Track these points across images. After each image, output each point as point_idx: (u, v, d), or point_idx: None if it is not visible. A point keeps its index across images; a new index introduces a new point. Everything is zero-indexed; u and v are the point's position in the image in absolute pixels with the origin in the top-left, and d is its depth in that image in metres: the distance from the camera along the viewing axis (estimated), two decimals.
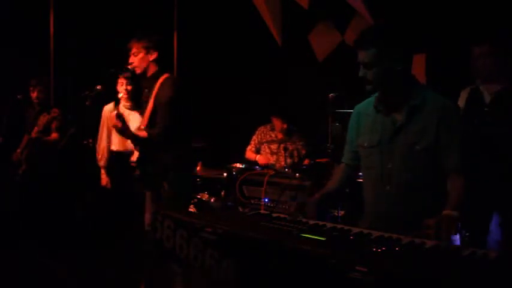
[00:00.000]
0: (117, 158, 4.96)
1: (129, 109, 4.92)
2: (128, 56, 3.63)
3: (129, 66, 3.60)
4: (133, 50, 3.58)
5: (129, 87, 4.84)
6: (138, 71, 3.62)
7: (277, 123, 5.25)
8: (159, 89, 3.60)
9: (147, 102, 3.64)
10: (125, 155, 4.89)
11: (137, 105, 4.68)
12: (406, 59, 2.21)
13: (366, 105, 2.40)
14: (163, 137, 3.54)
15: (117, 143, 4.98)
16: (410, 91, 2.23)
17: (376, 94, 2.35)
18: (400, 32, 2.20)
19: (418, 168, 2.19)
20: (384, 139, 2.26)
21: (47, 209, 5.26)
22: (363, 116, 2.39)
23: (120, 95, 4.56)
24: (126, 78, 4.72)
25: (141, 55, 3.58)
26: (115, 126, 3.47)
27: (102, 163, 5.00)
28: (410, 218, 2.11)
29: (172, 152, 3.65)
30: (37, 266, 4.52)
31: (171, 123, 3.54)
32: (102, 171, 5.01)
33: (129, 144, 4.90)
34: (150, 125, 3.57)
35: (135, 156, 3.68)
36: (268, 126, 5.38)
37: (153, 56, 3.62)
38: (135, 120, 4.79)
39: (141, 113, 3.81)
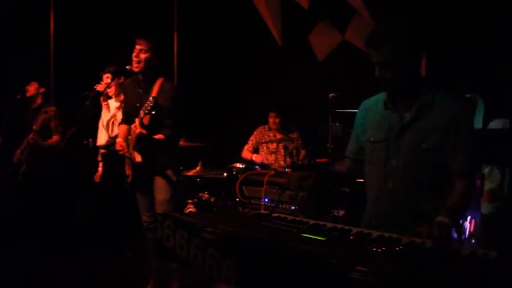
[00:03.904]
0: (105, 153, 5.01)
1: (104, 101, 4.98)
2: (130, 51, 3.64)
3: (134, 61, 3.60)
4: (143, 47, 3.57)
5: (112, 83, 4.85)
6: (137, 69, 3.61)
7: (271, 120, 5.26)
8: (160, 91, 3.60)
9: (143, 101, 3.60)
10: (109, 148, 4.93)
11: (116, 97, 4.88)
12: (421, 58, 2.21)
13: (374, 102, 2.38)
14: (173, 137, 3.67)
15: (99, 139, 5.03)
16: (421, 90, 2.22)
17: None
18: (416, 30, 2.19)
19: (422, 167, 2.17)
20: (390, 135, 2.25)
21: (47, 209, 5.26)
22: (371, 112, 2.37)
23: (97, 88, 4.54)
24: (111, 73, 4.74)
25: (148, 55, 3.59)
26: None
27: (98, 157, 5.05)
28: (410, 217, 2.10)
29: (170, 151, 3.71)
30: (37, 266, 4.52)
31: (179, 125, 3.67)
32: (99, 164, 5.04)
33: (101, 139, 4.95)
34: (152, 124, 3.55)
35: (138, 158, 3.63)
36: (266, 127, 5.38)
37: (155, 60, 3.63)
38: (104, 112, 4.96)
39: (129, 111, 3.80)
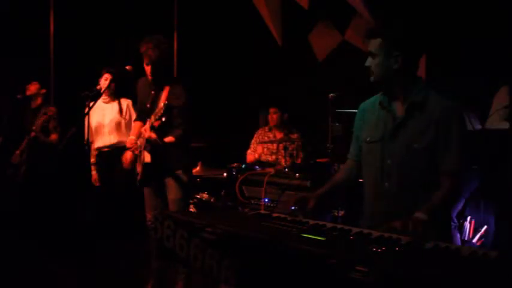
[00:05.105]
0: (102, 155, 5.03)
1: (106, 102, 5.04)
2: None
3: (147, 71, 3.60)
4: (153, 55, 3.54)
5: (112, 84, 4.87)
6: (151, 77, 3.62)
7: (269, 116, 5.26)
8: (171, 92, 3.61)
9: (154, 102, 3.63)
10: (106, 150, 4.99)
11: (114, 99, 5.05)
12: (407, 60, 2.20)
13: (371, 103, 2.42)
14: (185, 137, 3.65)
15: (98, 140, 5.05)
16: (412, 89, 2.24)
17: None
18: (407, 32, 2.21)
19: (416, 167, 2.19)
20: (385, 135, 2.27)
21: (47, 210, 5.26)
22: (368, 113, 2.40)
23: (98, 88, 4.57)
24: (111, 73, 4.74)
25: (159, 63, 3.57)
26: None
27: (91, 160, 5.05)
28: (407, 216, 2.10)
29: (182, 151, 3.71)
30: (37, 266, 4.52)
31: (190, 125, 3.67)
32: (92, 167, 5.04)
33: (106, 140, 4.96)
34: (163, 125, 3.55)
35: (147, 158, 3.65)
36: (266, 128, 5.38)
37: (166, 63, 3.63)
38: (111, 112, 5.05)
39: (142, 110, 3.83)
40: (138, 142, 3.70)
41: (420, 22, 4.49)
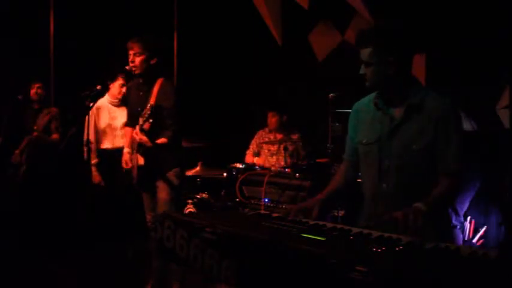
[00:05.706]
0: (108, 156, 5.02)
1: (115, 106, 5.04)
2: (128, 54, 3.61)
3: (131, 66, 3.58)
4: (136, 50, 3.55)
5: (123, 88, 4.89)
6: (136, 72, 3.61)
7: (268, 120, 5.27)
8: (160, 92, 3.59)
9: (144, 104, 3.61)
10: (115, 152, 4.97)
11: (122, 103, 4.95)
12: (401, 63, 2.20)
13: (366, 103, 2.40)
14: (176, 138, 3.63)
15: (106, 141, 5.04)
16: (409, 91, 2.23)
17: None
18: (397, 36, 2.20)
19: (414, 168, 2.19)
20: (382, 136, 2.26)
21: (48, 210, 5.26)
22: (362, 113, 2.39)
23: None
24: (124, 77, 4.76)
25: (143, 57, 3.56)
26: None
27: (93, 161, 5.05)
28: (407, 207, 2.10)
29: (175, 151, 3.71)
30: (37, 266, 4.52)
31: (180, 125, 3.65)
32: (93, 168, 5.03)
33: (118, 142, 4.97)
34: (154, 127, 3.55)
35: (141, 160, 3.65)
36: (266, 129, 5.39)
37: (153, 60, 3.61)
38: (122, 116, 4.94)
39: (132, 114, 3.81)
40: (132, 147, 3.70)
41: (419, 22, 4.49)
